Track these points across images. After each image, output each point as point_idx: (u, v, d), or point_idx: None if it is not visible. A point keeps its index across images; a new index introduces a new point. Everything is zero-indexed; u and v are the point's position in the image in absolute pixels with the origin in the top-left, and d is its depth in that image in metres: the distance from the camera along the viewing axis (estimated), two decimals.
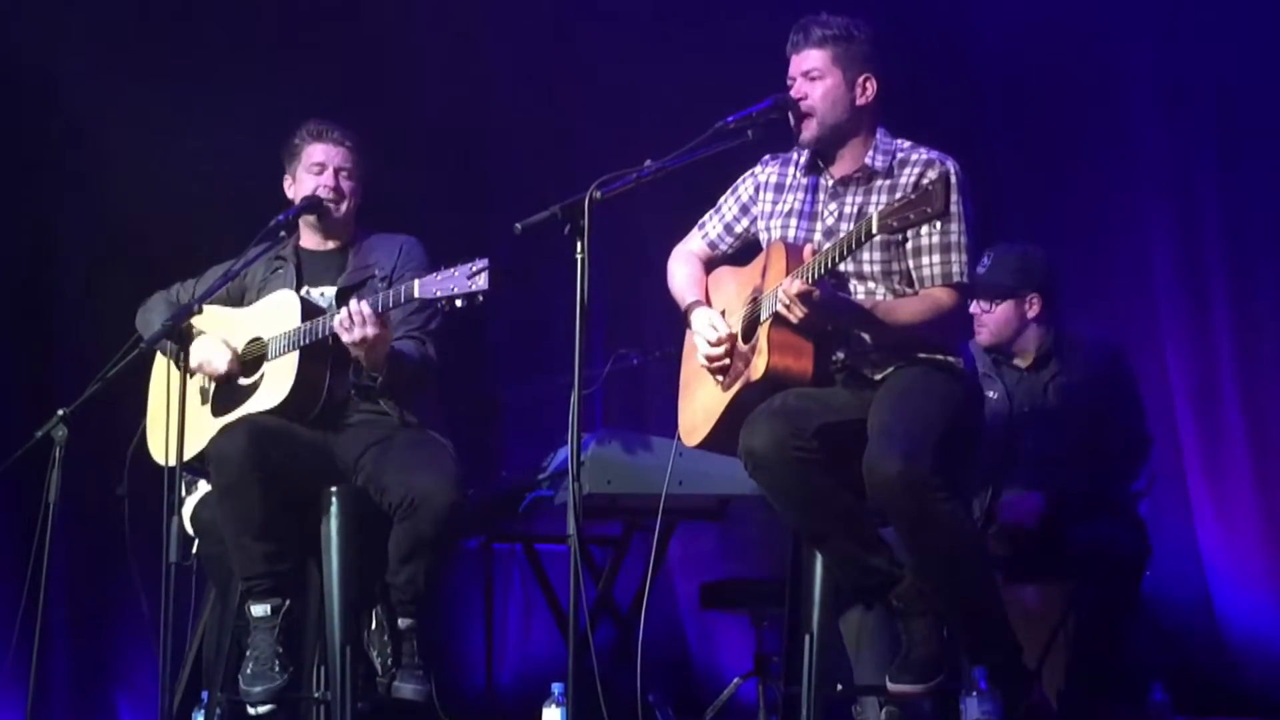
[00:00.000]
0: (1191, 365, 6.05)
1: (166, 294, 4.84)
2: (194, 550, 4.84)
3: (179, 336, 4.38)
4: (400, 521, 4.38)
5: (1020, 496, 4.83)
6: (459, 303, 4.29)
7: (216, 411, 4.64)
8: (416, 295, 4.34)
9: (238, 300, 4.79)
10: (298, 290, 4.69)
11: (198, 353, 4.58)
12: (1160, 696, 4.65)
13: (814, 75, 4.16)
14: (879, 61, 4.20)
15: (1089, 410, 4.92)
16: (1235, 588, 5.85)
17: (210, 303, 4.67)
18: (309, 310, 4.57)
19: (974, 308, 4.94)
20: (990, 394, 4.88)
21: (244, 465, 4.34)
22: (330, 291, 4.70)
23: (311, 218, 4.75)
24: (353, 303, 4.40)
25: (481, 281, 4.24)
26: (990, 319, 4.99)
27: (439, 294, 4.30)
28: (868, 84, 4.18)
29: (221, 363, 4.61)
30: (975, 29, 6.49)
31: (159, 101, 6.32)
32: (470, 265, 4.27)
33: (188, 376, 4.46)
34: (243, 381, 4.63)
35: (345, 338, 4.40)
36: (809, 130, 4.17)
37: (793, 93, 4.17)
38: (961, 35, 6.53)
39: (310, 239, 4.81)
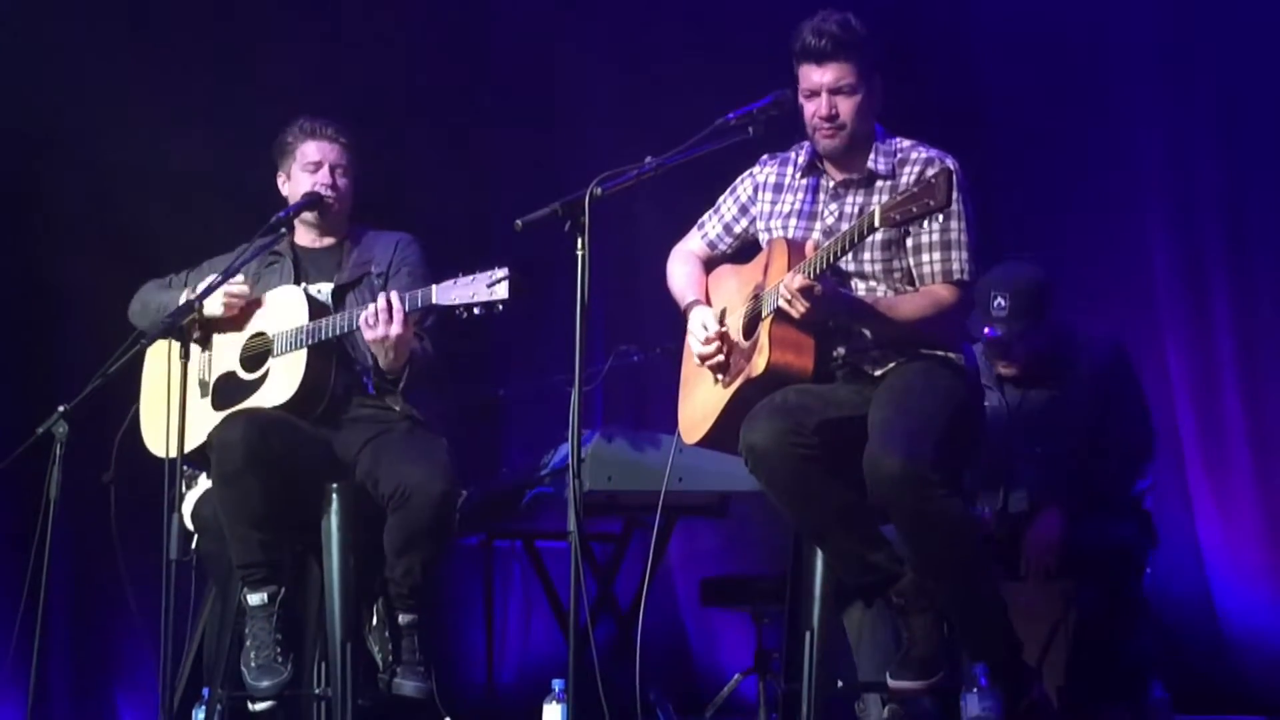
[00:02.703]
0: (1192, 362, 6.05)
1: (161, 284, 4.84)
2: (193, 546, 4.84)
3: (179, 334, 4.38)
4: (394, 513, 4.38)
5: (1039, 524, 4.78)
6: (477, 310, 4.28)
7: (218, 405, 4.63)
8: (435, 301, 4.34)
9: None
10: (295, 285, 4.69)
11: (212, 304, 4.57)
12: (1160, 693, 4.66)
13: (846, 90, 4.10)
14: (883, 60, 4.17)
15: (1091, 410, 4.91)
16: (1236, 584, 5.85)
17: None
18: (315, 308, 4.57)
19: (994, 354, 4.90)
20: (991, 401, 4.87)
21: (246, 454, 4.33)
22: (327, 288, 4.70)
23: (309, 215, 4.75)
24: (382, 298, 4.40)
25: (501, 291, 4.24)
26: (1019, 356, 4.91)
27: (457, 300, 4.30)
28: (880, 87, 4.17)
29: (237, 291, 4.60)
30: (975, 29, 6.48)
31: (158, 98, 6.31)
32: (490, 274, 4.26)
33: (209, 335, 4.56)
34: (245, 376, 4.63)
35: (369, 334, 4.40)
36: (839, 140, 4.12)
37: (823, 108, 4.09)
38: (961, 35, 6.52)
39: (305, 236, 4.81)
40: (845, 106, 4.10)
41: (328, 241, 4.80)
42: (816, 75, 4.10)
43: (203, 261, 4.82)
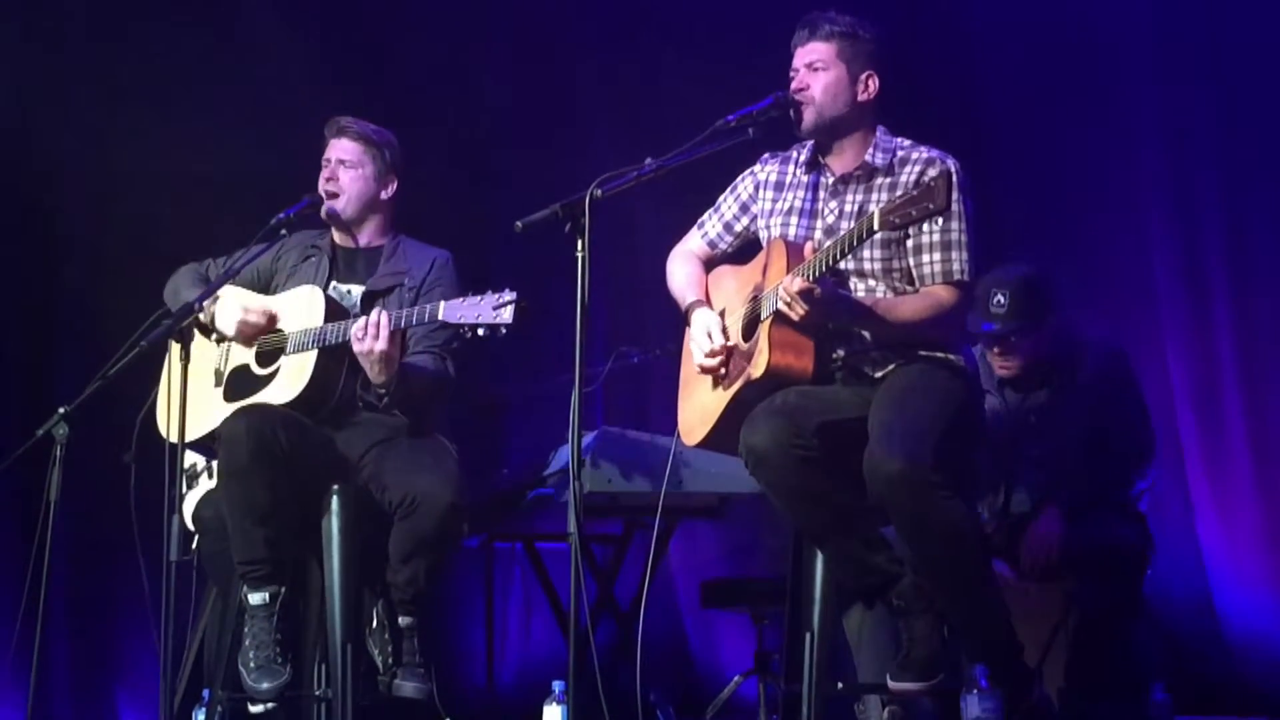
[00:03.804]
0: (1192, 365, 6.03)
1: (198, 268, 4.84)
2: (194, 546, 4.83)
3: (181, 336, 4.38)
4: (400, 521, 4.40)
5: (1039, 523, 4.77)
6: (481, 331, 4.29)
7: (229, 396, 4.66)
8: (440, 318, 4.35)
9: (266, 283, 4.79)
10: (327, 283, 4.69)
11: (225, 321, 4.59)
12: (1161, 696, 4.64)
13: (817, 67, 4.17)
14: (882, 61, 4.21)
15: (1091, 413, 4.90)
16: (1236, 587, 5.84)
17: (235, 283, 4.69)
18: (333, 309, 4.58)
19: (993, 352, 4.90)
20: (990, 405, 4.86)
21: (253, 449, 4.34)
22: (357, 290, 4.71)
23: (328, 216, 4.74)
24: (374, 313, 4.41)
25: (506, 315, 4.25)
26: (1018, 356, 4.88)
27: (463, 320, 4.30)
28: (870, 81, 4.19)
29: (255, 315, 4.61)
30: (975, 29, 6.48)
31: (162, 97, 6.31)
32: (498, 296, 4.27)
33: (217, 347, 4.55)
34: (257, 371, 4.64)
35: (356, 346, 4.42)
36: (807, 118, 4.17)
37: (794, 83, 4.17)
38: (961, 36, 6.52)
39: (338, 235, 4.81)
40: (815, 81, 4.17)
41: (364, 244, 4.80)
42: (796, 58, 4.22)
43: (237, 250, 4.81)
